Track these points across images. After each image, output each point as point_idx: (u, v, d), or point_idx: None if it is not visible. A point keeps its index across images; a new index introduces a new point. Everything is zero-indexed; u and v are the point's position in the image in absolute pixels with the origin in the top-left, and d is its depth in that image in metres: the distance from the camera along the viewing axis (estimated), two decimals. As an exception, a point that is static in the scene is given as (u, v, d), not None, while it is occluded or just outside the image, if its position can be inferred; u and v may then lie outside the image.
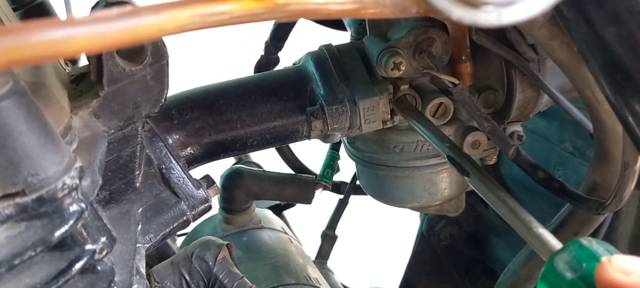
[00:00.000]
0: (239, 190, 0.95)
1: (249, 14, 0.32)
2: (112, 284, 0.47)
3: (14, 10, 0.64)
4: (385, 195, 0.79)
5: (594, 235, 0.80)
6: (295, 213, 1.24)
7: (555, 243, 0.45)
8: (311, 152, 1.15)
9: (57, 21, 0.28)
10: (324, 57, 0.69)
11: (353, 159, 0.80)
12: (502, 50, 0.66)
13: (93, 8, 0.54)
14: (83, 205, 0.43)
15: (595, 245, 0.38)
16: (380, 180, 0.78)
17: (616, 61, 0.42)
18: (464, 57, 0.67)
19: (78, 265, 0.43)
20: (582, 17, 0.42)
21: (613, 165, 0.63)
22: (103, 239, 0.45)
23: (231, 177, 0.95)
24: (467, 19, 0.31)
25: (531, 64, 0.68)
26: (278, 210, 1.18)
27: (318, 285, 0.85)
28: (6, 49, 0.28)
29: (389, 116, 0.67)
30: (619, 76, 0.43)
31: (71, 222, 0.42)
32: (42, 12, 0.64)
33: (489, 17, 0.31)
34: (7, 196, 0.40)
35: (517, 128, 0.75)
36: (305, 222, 1.43)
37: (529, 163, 0.67)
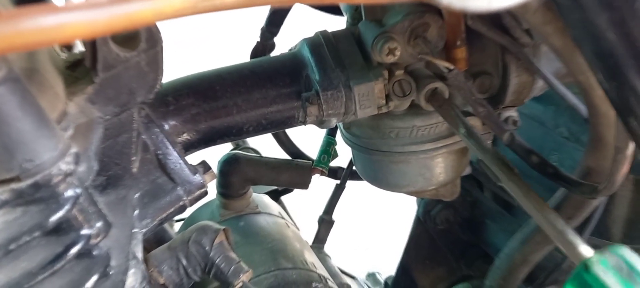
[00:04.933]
0: (236, 175, 0.95)
1: None
2: (108, 268, 0.48)
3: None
4: (381, 180, 0.79)
5: (588, 219, 0.81)
6: (293, 198, 1.24)
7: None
8: (308, 138, 1.15)
9: (49, 7, 0.28)
10: (320, 42, 0.69)
11: (349, 144, 0.80)
12: (497, 36, 0.66)
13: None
14: (78, 190, 0.43)
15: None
16: (375, 165, 0.78)
17: (609, 47, 0.43)
18: (459, 43, 0.67)
19: (74, 250, 0.43)
20: (575, 2, 0.42)
21: (606, 150, 0.63)
22: (98, 224, 0.45)
23: (228, 163, 0.95)
24: (456, 5, 0.31)
25: (526, 49, 0.68)
26: (275, 195, 1.19)
27: (314, 269, 0.86)
28: (-3, 36, 0.28)
29: (384, 101, 0.67)
30: (612, 61, 0.44)
31: (67, 207, 0.43)
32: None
33: (479, 3, 0.31)
34: (2, 182, 0.41)
35: (512, 113, 0.76)
36: (302, 206, 1.43)
37: (524, 148, 0.68)
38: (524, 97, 0.74)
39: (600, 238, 0.89)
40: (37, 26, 0.28)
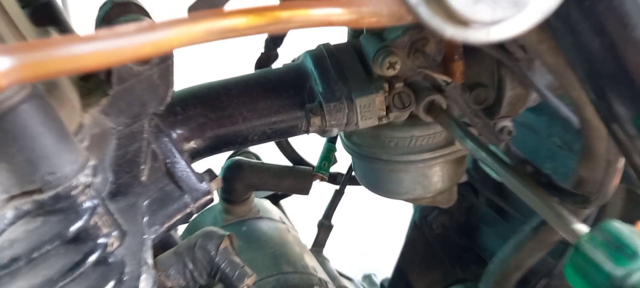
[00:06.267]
0: (239, 181, 0.97)
1: (254, 27, 0.35)
2: (123, 275, 0.50)
3: (23, 7, 0.66)
4: (380, 187, 0.81)
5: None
6: (292, 202, 1.26)
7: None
8: (308, 144, 1.17)
9: (80, 37, 0.30)
10: (322, 55, 0.72)
11: (349, 152, 0.82)
12: (493, 50, 0.69)
13: (101, 8, 0.56)
14: (96, 201, 0.46)
15: None
16: (375, 173, 0.80)
17: (600, 70, 0.45)
18: (456, 57, 0.69)
19: (92, 258, 0.45)
20: (568, 27, 0.44)
21: (598, 162, 0.65)
22: (114, 233, 0.48)
23: (231, 169, 0.97)
24: (458, 37, 0.33)
25: (521, 63, 0.70)
26: (275, 199, 1.21)
27: (315, 273, 0.88)
28: (33, 63, 0.30)
29: (385, 113, 0.69)
30: (603, 83, 0.46)
31: (85, 218, 0.45)
32: (50, 10, 0.66)
33: (479, 34, 0.33)
34: (25, 193, 0.43)
35: (507, 123, 0.78)
36: (302, 211, 1.45)
37: (518, 157, 0.70)
38: (518, 108, 0.77)
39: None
40: (67, 55, 0.30)
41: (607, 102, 0.48)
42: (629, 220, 0.89)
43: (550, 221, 0.54)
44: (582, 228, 0.49)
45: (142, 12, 0.55)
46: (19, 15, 0.61)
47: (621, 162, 0.58)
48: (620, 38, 0.43)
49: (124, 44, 0.31)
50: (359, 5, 0.36)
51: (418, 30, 0.67)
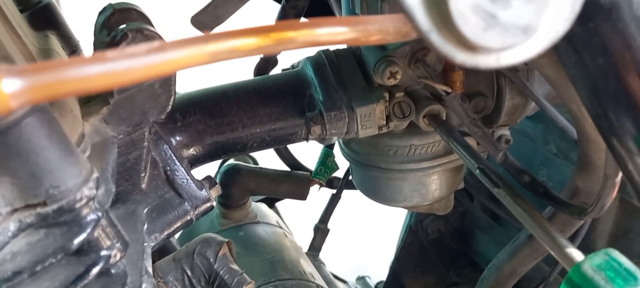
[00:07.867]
0: (237, 186, 0.97)
1: (262, 47, 0.35)
2: (125, 286, 0.50)
3: (21, 11, 0.66)
4: (378, 194, 0.82)
5: (575, 234, 0.84)
6: (288, 205, 1.26)
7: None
8: (306, 149, 1.17)
9: (89, 59, 0.30)
10: (323, 62, 0.72)
11: (348, 159, 0.82)
12: (493, 61, 0.69)
13: (100, 14, 0.56)
14: (100, 213, 0.45)
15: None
16: (373, 180, 0.80)
17: (602, 89, 0.45)
18: (456, 66, 0.70)
19: (95, 270, 0.45)
20: (571, 46, 0.45)
21: (595, 173, 0.66)
22: (118, 244, 0.47)
23: (229, 174, 0.97)
24: (468, 63, 0.33)
25: (520, 73, 0.71)
26: (270, 202, 1.21)
27: (312, 279, 0.88)
28: (43, 85, 0.30)
29: (385, 122, 0.70)
30: (605, 102, 0.46)
31: (89, 230, 0.44)
32: (49, 14, 0.65)
33: (489, 60, 0.34)
34: (28, 206, 0.42)
35: (505, 132, 0.78)
36: (297, 213, 1.45)
37: (516, 167, 0.71)
38: (516, 117, 0.77)
39: (585, 251, 0.92)
40: (77, 76, 0.30)
41: (609, 120, 0.48)
42: (622, 228, 0.90)
43: (545, 243, 0.55)
44: (577, 254, 0.49)
45: (143, 19, 0.55)
46: (18, 21, 0.60)
47: (619, 176, 0.59)
48: (624, 59, 0.43)
49: (134, 66, 0.31)
50: (364, 23, 0.36)
51: (419, 40, 0.67)
